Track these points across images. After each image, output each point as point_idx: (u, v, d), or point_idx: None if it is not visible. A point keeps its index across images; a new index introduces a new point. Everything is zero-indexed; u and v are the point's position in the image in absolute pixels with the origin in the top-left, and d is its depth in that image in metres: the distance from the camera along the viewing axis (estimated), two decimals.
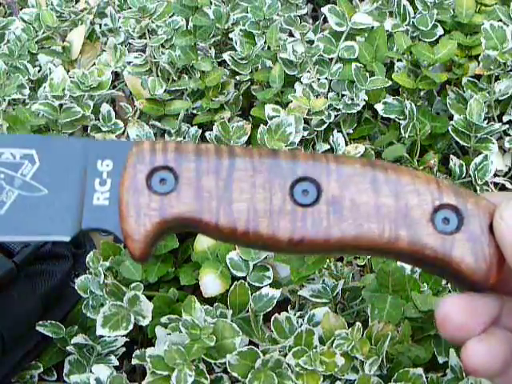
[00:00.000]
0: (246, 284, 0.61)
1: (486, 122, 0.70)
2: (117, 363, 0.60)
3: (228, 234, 0.36)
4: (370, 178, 0.36)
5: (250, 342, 0.59)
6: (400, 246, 0.36)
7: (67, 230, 0.36)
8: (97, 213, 0.36)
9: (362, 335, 0.56)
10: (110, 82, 0.75)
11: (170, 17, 0.79)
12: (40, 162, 0.36)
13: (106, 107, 0.76)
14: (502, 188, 0.73)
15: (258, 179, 0.36)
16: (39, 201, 0.36)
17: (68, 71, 0.79)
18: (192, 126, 0.76)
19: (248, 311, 0.60)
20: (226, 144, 0.70)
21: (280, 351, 0.56)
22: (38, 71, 0.80)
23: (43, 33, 0.84)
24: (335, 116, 0.73)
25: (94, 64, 0.82)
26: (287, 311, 0.61)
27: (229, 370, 0.55)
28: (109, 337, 0.60)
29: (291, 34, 0.80)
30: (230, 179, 0.36)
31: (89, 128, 0.75)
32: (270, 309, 0.60)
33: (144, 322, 0.59)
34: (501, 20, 0.75)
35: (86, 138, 0.32)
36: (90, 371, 0.58)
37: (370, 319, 0.58)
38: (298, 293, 0.62)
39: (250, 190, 0.36)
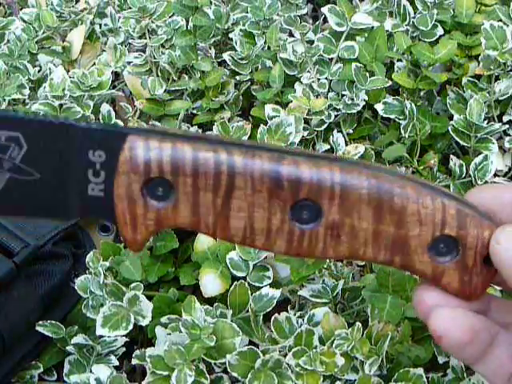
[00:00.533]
0: (246, 284, 0.61)
1: (486, 122, 0.70)
2: (117, 363, 0.60)
3: (225, 241, 0.37)
4: (374, 205, 0.35)
5: (250, 342, 0.59)
6: (392, 266, 0.36)
7: (65, 213, 0.36)
8: (92, 203, 0.35)
9: (362, 335, 0.56)
10: (110, 82, 0.75)
11: (170, 17, 0.79)
12: (28, 146, 0.35)
13: (105, 107, 0.75)
14: None
15: (258, 199, 0.35)
16: (33, 184, 0.35)
17: (68, 71, 0.79)
18: (192, 125, 0.76)
19: (248, 311, 0.60)
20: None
21: (280, 351, 0.56)
22: (38, 71, 0.80)
23: (43, 33, 0.84)
24: (335, 116, 0.73)
25: (94, 64, 0.82)
26: (287, 311, 0.61)
27: (229, 369, 0.55)
28: (109, 337, 0.60)
29: (291, 34, 0.80)
30: (228, 197, 0.35)
31: None
32: (270, 309, 0.60)
33: (144, 322, 0.58)
34: (501, 20, 0.75)
35: (72, 121, 0.30)
36: (90, 371, 0.58)
37: (370, 319, 0.58)
38: (298, 293, 0.62)
39: (248, 209, 0.35)
